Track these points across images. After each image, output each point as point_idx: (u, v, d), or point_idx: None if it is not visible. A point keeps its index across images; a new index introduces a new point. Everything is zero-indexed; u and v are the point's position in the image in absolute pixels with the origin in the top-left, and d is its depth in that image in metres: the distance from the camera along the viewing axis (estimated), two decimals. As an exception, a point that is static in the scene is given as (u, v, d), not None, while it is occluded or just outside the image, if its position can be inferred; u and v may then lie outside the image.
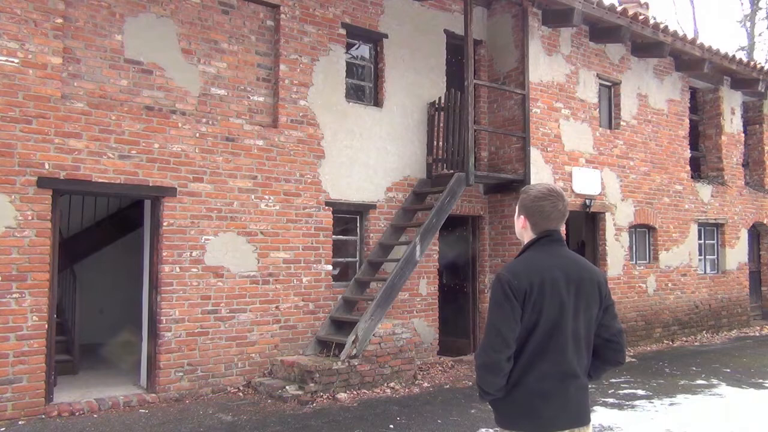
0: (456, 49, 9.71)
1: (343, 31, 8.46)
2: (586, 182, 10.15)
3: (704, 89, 13.13)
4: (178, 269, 6.97)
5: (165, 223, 6.94)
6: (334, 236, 8.28)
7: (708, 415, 6.46)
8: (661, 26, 10.56)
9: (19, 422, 5.89)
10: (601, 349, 2.65)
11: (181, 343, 6.95)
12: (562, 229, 3.31)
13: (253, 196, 7.55)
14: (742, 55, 19.43)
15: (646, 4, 13.12)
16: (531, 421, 2.50)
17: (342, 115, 8.39)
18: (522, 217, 2.70)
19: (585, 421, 2.58)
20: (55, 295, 6.44)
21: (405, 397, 7.15)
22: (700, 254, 12.52)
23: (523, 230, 2.71)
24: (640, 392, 7.43)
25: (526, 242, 2.69)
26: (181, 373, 6.94)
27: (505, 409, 2.56)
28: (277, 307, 7.67)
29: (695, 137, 13.10)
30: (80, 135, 6.45)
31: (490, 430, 5.88)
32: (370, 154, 8.64)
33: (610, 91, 11.02)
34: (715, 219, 12.68)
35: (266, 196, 7.66)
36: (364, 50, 9.03)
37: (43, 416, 6.08)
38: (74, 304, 8.21)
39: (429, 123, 9.27)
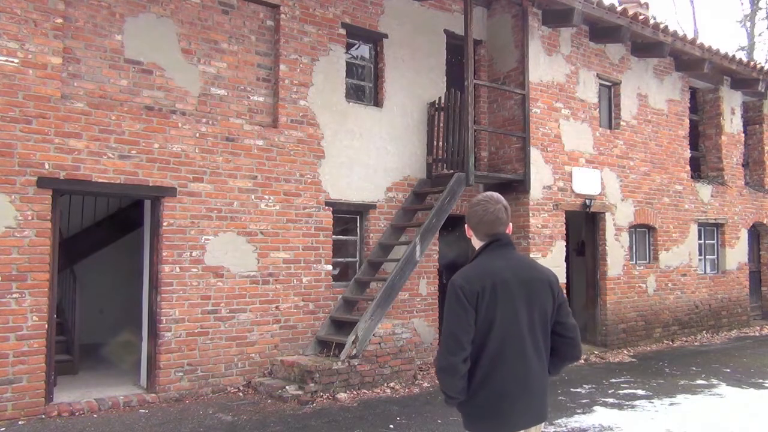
0: (456, 49, 9.71)
1: (343, 31, 8.46)
2: (586, 182, 10.15)
3: (704, 89, 13.13)
4: (178, 269, 6.98)
5: (165, 223, 6.94)
6: (334, 236, 8.28)
7: (708, 415, 6.46)
8: (661, 26, 10.56)
9: (19, 422, 5.89)
10: (558, 346, 2.76)
11: (181, 343, 6.95)
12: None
13: (253, 196, 7.55)
14: (742, 55, 19.43)
15: (646, 4, 13.12)
16: (497, 422, 2.59)
17: (342, 115, 8.39)
18: (467, 226, 2.85)
19: (544, 417, 2.73)
20: (55, 295, 6.44)
21: (405, 397, 7.15)
22: (700, 254, 12.52)
23: (471, 239, 2.86)
24: (640, 392, 7.43)
25: (476, 251, 2.80)
26: (181, 373, 6.94)
27: (471, 411, 2.64)
28: (277, 307, 7.67)
29: (695, 137, 13.10)
30: (80, 135, 6.45)
31: (490, 430, 5.88)
32: (370, 154, 8.64)
33: (610, 91, 11.02)
34: (715, 219, 12.68)
35: (266, 196, 7.66)
36: (364, 50, 9.03)
37: (43, 416, 6.08)
38: (74, 304, 8.20)
39: (429, 123, 9.27)
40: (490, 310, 2.58)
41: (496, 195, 2.82)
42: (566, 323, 2.75)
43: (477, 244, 2.82)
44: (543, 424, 2.74)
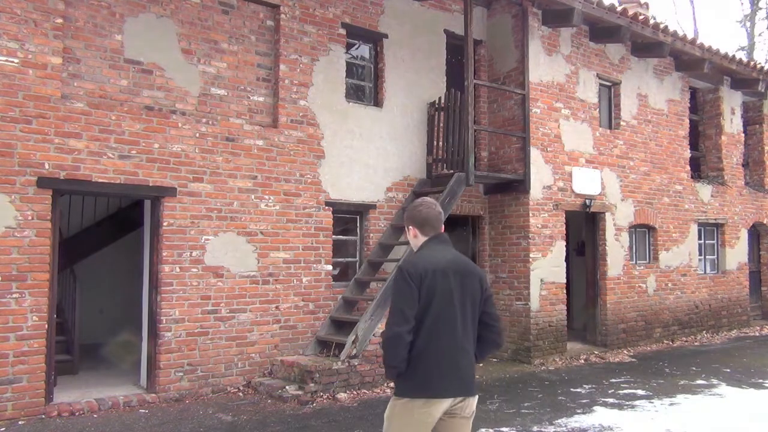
0: (456, 49, 9.71)
1: (343, 31, 8.46)
2: (586, 182, 10.15)
3: (704, 89, 13.13)
4: (178, 269, 6.97)
5: (165, 223, 6.94)
6: (334, 236, 8.28)
7: (708, 415, 6.46)
8: (661, 26, 10.55)
9: (19, 422, 5.89)
10: (483, 333, 3.18)
11: (181, 343, 6.95)
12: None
13: (253, 196, 7.55)
14: (742, 55, 19.42)
15: (646, 4, 13.12)
16: (427, 390, 2.96)
17: (342, 115, 8.39)
18: (410, 227, 3.29)
19: (472, 392, 3.08)
20: (55, 295, 6.44)
21: (405, 397, 7.14)
22: (700, 254, 12.52)
23: (414, 238, 3.29)
24: (640, 392, 7.43)
25: (419, 246, 3.25)
26: (181, 373, 6.94)
27: (407, 379, 3.01)
28: (277, 307, 7.67)
29: (695, 137, 13.10)
30: (80, 135, 6.45)
31: (491, 430, 5.89)
32: (370, 154, 8.64)
33: (610, 91, 11.02)
34: (715, 219, 12.68)
35: (266, 196, 7.66)
36: (364, 50, 9.03)
37: (43, 416, 6.08)
38: (74, 304, 8.20)
39: (429, 123, 9.27)
40: (429, 292, 3.00)
41: (431, 199, 3.37)
42: (492, 313, 3.19)
43: (419, 241, 3.26)
44: (474, 400, 3.09)
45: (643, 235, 11.44)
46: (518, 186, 9.42)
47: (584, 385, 7.81)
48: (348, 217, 8.64)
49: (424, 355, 2.96)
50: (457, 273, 3.09)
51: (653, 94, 11.50)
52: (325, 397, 6.90)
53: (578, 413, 6.50)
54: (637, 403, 6.94)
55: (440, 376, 2.96)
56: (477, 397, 3.13)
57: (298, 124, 7.98)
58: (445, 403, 2.99)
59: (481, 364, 9.06)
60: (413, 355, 2.96)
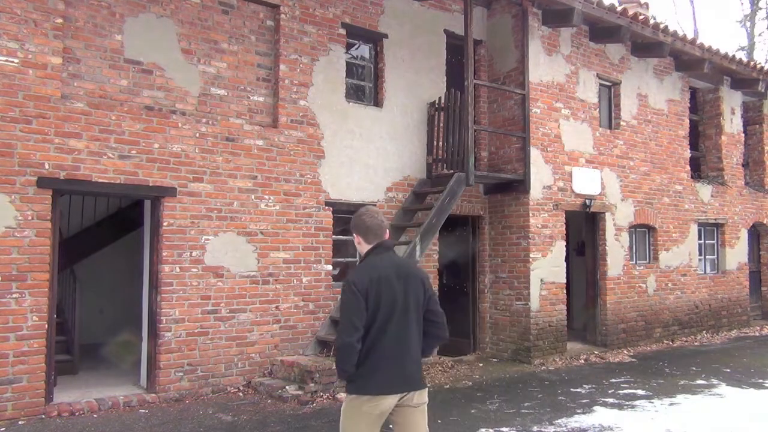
0: (456, 49, 9.71)
1: (343, 31, 8.46)
2: (586, 182, 10.15)
3: (704, 89, 13.13)
4: (178, 269, 6.98)
5: (165, 223, 6.94)
6: (334, 236, 8.28)
7: (708, 415, 6.46)
8: (661, 26, 10.55)
9: (19, 422, 5.90)
10: (428, 329, 3.49)
11: (181, 343, 6.95)
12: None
13: (253, 196, 7.55)
14: (742, 55, 19.43)
15: (646, 4, 13.12)
16: (372, 388, 3.29)
17: (342, 115, 8.39)
18: (355, 235, 3.56)
19: (419, 386, 3.41)
20: (55, 295, 6.44)
21: (405, 397, 7.14)
22: (700, 254, 12.52)
23: (359, 245, 3.57)
24: (640, 392, 7.43)
25: (364, 253, 3.52)
26: (181, 373, 6.94)
27: (355, 379, 3.32)
28: (277, 307, 7.67)
29: (695, 137, 13.09)
30: (80, 135, 6.45)
31: (491, 430, 5.89)
32: (370, 154, 8.64)
33: (610, 91, 11.02)
34: (715, 219, 12.68)
35: (266, 196, 7.66)
36: (364, 50, 9.03)
37: (43, 416, 6.08)
38: (74, 304, 8.21)
39: (429, 123, 9.27)
40: (376, 300, 3.29)
41: (375, 208, 3.66)
42: (435, 310, 3.50)
43: (364, 248, 3.52)
44: (422, 392, 3.42)
45: (643, 235, 11.44)
46: (518, 186, 9.42)
47: (584, 385, 7.81)
48: (348, 217, 8.60)
49: (371, 357, 3.29)
50: (401, 277, 3.39)
51: (653, 94, 11.50)
52: (325, 397, 6.90)
53: (578, 413, 6.50)
54: (637, 403, 6.94)
55: (384, 375, 3.29)
56: (426, 389, 3.47)
57: (298, 124, 7.98)
58: (391, 398, 3.32)
59: (485, 364, 9.05)
60: (361, 357, 3.27)
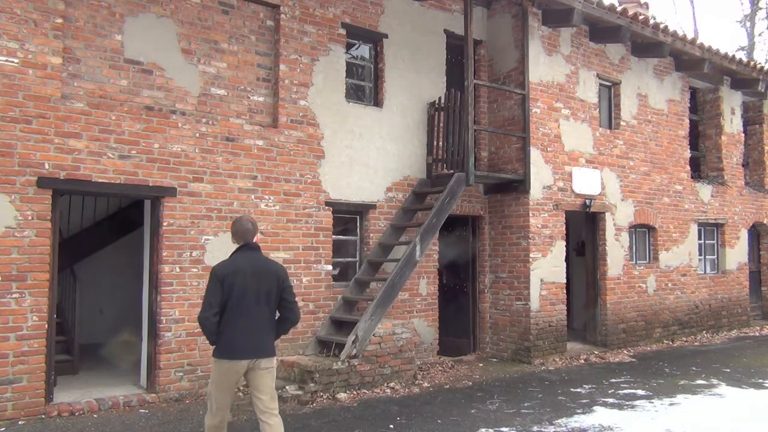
0: (456, 49, 9.71)
1: (343, 31, 8.46)
2: (586, 182, 10.15)
3: (704, 89, 13.13)
4: (178, 269, 6.98)
5: (165, 223, 6.94)
6: (334, 236, 8.28)
7: (708, 415, 6.46)
8: (661, 26, 10.55)
9: (19, 422, 5.90)
10: (282, 313, 4.53)
11: (181, 343, 6.95)
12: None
13: (253, 196, 7.55)
14: (742, 55, 19.44)
15: (646, 4, 13.13)
16: (227, 354, 4.31)
17: (342, 115, 8.39)
18: (231, 233, 4.61)
19: (263, 354, 4.39)
20: (55, 295, 6.44)
21: (405, 397, 7.15)
22: (700, 254, 12.52)
23: (232, 244, 4.57)
24: (640, 392, 7.43)
25: (232, 251, 4.53)
26: (181, 373, 6.94)
27: (217, 346, 4.35)
28: (277, 307, 7.66)
29: (695, 137, 13.10)
30: (80, 135, 6.45)
31: (491, 430, 5.89)
32: (370, 154, 8.64)
33: (610, 91, 11.02)
34: (715, 219, 12.68)
35: (266, 196, 7.66)
36: (364, 50, 9.03)
37: (43, 416, 6.08)
38: (74, 304, 8.20)
39: (429, 123, 9.27)
40: (230, 287, 4.29)
41: (247, 216, 4.68)
42: (287, 299, 4.50)
43: (233, 247, 4.53)
44: (267, 360, 4.40)
45: (643, 235, 11.44)
46: (518, 186, 9.42)
47: (584, 385, 7.81)
48: (348, 217, 8.63)
49: (226, 331, 4.30)
50: (255, 272, 4.38)
51: (653, 94, 11.50)
52: (325, 397, 6.90)
53: (578, 413, 6.50)
54: (637, 403, 6.94)
55: (236, 344, 4.30)
56: (273, 357, 4.45)
57: (298, 124, 7.98)
58: (243, 363, 4.32)
59: (485, 364, 9.05)
60: (220, 330, 4.30)
